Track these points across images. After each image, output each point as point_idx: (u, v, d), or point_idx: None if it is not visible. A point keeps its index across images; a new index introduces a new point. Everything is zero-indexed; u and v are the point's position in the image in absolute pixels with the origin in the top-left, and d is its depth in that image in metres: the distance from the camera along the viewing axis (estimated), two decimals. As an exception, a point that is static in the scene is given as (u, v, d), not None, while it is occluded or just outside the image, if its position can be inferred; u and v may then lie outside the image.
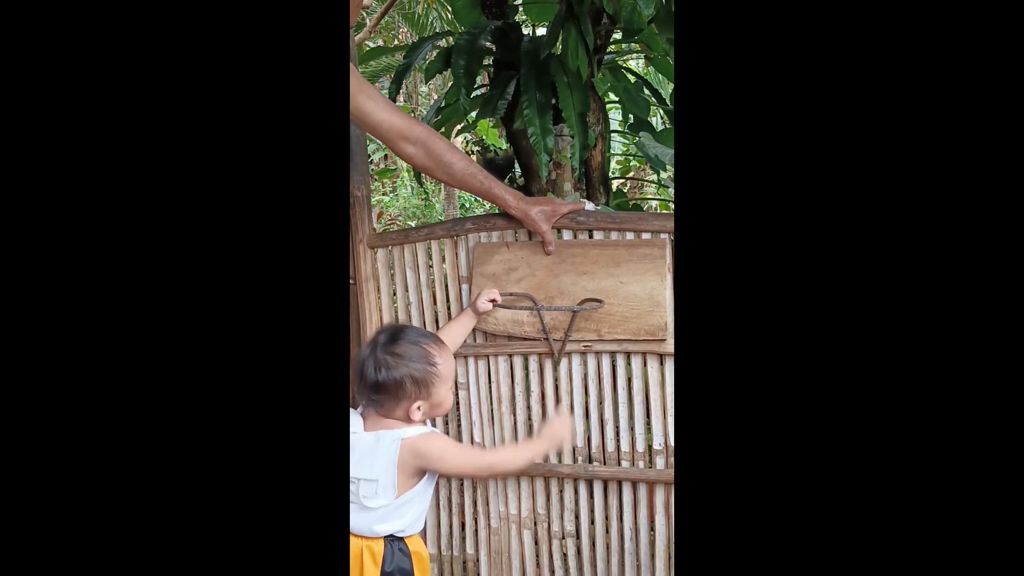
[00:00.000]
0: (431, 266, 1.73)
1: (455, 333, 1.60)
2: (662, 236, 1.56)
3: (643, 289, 1.55)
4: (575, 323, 1.57)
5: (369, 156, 5.63)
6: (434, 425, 1.76)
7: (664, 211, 1.78)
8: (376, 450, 1.40)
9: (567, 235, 1.62)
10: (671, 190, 2.15)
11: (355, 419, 1.45)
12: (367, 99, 1.44)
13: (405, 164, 5.19)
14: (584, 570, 1.72)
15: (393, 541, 1.43)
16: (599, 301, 1.55)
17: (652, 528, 1.67)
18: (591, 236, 1.61)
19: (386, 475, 1.39)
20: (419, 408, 1.42)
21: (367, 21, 3.76)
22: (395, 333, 1.45)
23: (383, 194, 5.29)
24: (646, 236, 1.57)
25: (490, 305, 1.58)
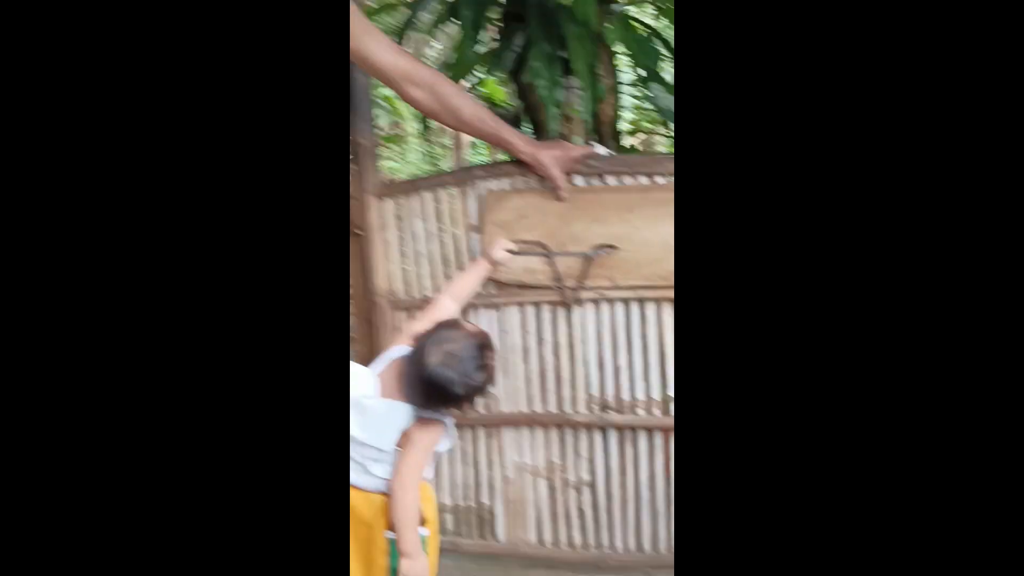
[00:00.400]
0: (440, 215, 1.71)
1: (467, 283, 1.57)
2: (672, 180, 1.54)
3: (657, 234, 1.53)
4: (589, 270, 1.56)
5: (375, 122, 5.62)
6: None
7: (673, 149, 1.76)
8: (388, 421, 1.32)
9: (579, 181, 1.60)
10: None
11: (368, 379, 1.36)
12: (372, 41, 1.41)
13: (412, 129, 5.19)
14: (600, 519, 1.72)
15: None
16: (613, 247, 1.54)
17: (669, 476, 1.67)
18: (603, 181, 1.59)
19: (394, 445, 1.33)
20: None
21: None
22: (449, 353, 1.29)
23: (391, 159, 5.27)
24: (660, 180, 1.55)
25: (507, 255, 1.56)
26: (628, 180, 1.58)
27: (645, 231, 1.53)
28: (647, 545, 1.69)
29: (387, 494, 1.32)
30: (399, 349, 1.37)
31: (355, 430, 1.29)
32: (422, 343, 1.30)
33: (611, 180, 1.59)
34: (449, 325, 1.34)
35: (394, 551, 1.30)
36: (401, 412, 1.31)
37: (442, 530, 1.83)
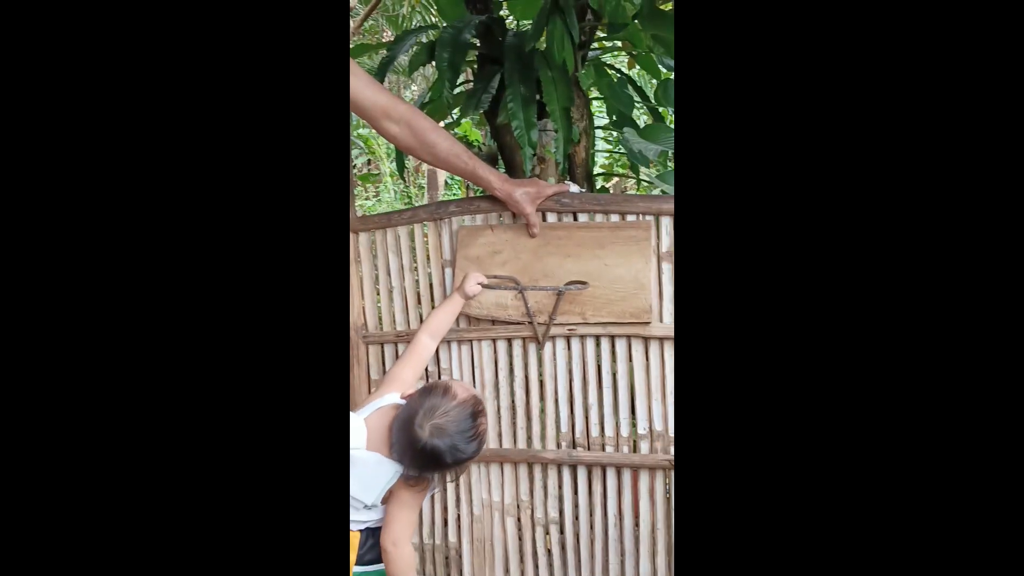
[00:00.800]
0: (414, 250, 1.73)
1: (442, 319, 1.58)
2: (647, 218, 1.57)
3: (628, 271, 1.55)
4: (560, 305, 1.57)
5: (351, 161, 5.64)
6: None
7: (649, 193, 1.80)
8: (375, 476, 1.31)
9: (552, 218, 1.62)
10: (656, 189, 2.17)
11: (355, 425, 1.33)
12: (350, 75, 1.44)
13: (388, 169, 5.22)
14: (568, 557, 1.71)
15: (371, 532, 1.39)
16: (584, 283, 1.56)
17: (637, 514, 1.66)
18: (576, 219, 1.62)
19: (379, 501, 1.33)
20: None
21: (351, 23, 3.78)
22: (439, 427, 1.28)
23: (366, 198, 5.29)
24: (631, 218, 1.58)
25: (479, 288, 1.57)
26: (600, 218, 1.60)
27: (616, 268, 1.56)
28: (613, 586, 1.67)
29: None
30: (388, 396, 1.38)
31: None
32: (413, 410, 1.28)
33: (583, 217, 1.61)
34: (441, 391, 1.30)
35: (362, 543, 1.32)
36: (388, 469, 1.30)
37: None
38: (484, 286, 1.58)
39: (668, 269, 1.57)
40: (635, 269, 1.55)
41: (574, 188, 1.61)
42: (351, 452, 1.30)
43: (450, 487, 1.76)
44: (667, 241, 1.56)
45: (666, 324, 1.57)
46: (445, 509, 1.78)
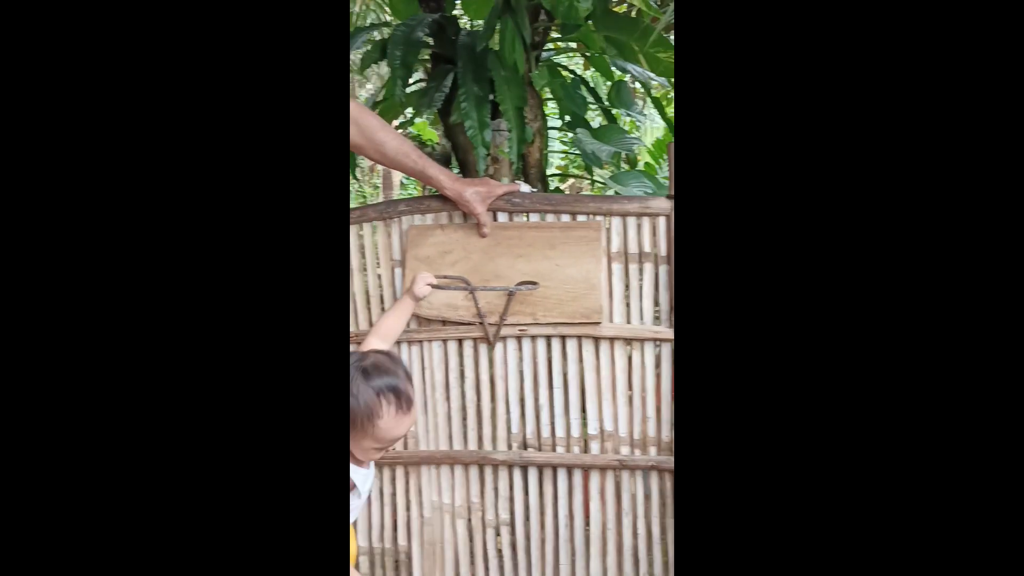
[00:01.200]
0: (363, 249, 1.70)
1: (393, 322, 1.56)
2: (598, 219, 1.57)
3: (579, 272, 1.55)
4: (511, 306, 1.57)
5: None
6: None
7: (599, 194, 1.80)
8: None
9: (503, 217, 1.62)
10: (610, 190, 2.18)
11: None
12: None
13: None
14: (519, 559, 1.70)
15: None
16: (534, 283, 1.55)
17: (587, 514, 1.66)
18: (527, 219, 1.61)
19: None
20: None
21: None
22: (378, 366, 1.31)
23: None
24: (582, 219, 1.58)
25: (428, 289, 1.56)
26: (551, 218, 1.60)
27: (568, 268, 1.55)
28: (565, 586, 1.67)
29: None
30: None
31: None
32: None
33: (535, 217, 1.61)
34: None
35: None
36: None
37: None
38: (434, 287, 1.57)
39: (618, 269, 1.57)
40: (586, 269, 1.55)
41: (525, 188, 1.60)
42: None
43: (400, 490, 1.74)
44: (617, 241, 1.57)
45: (616, 324, 1.58)
46: (395, 512, 1.76)
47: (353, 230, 1.71)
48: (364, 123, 1.47)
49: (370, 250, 1.70)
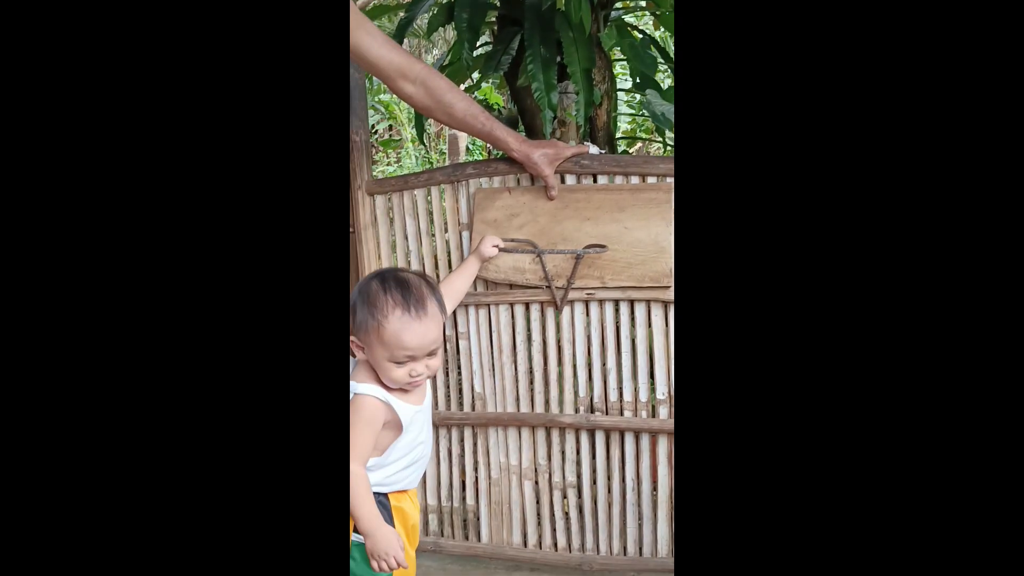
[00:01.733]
0: (431, 213, 1.71)
1: (459, 283, 1.56)
2: (668, 180, 1.54)
3: (648, 235, 1.53)
4: (578, 270, 1.55)
5: (373, 127, 5.60)
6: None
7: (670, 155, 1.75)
8: None
9: (570, 180, 1.60)
10: None
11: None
12: (366, 35, 1.42)
13: (409, 135, 5.19)
14: (585, 521, 1.71)
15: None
16: (603, 246, 1.54)
17: (655, 479, 1.66)
18: (595, 181, 1.59)
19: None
20: (358, 347, 1.26)
21: None
22: (395, 272, 1.28)
23: (387, 164, 5.25)
24: (651, 180, 1.55)
25: (495, 251, 1.55)
26: (619, 180, 1.58)
27: (636, 231, 1.53)
28: (631, 549, 1.68)
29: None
30: None
31: None
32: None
33: (602, 180, 1.59)
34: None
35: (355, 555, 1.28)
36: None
37: (425, 531, 1.82)
38: (501, 249, 1.57)
39: None
40: (655, 232, 1.52)
41: (594, 149, 1.58)
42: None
43: (468, 450, 1.76)
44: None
45: None
46: (463, 472, 1.79)
47: (420, 194, 1.72)
48: (432, 85, 1.47)
49: (438, 214, 1.71)
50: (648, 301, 1.57)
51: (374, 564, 1.22)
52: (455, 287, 1.54)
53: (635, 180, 1.57)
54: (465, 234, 1.68)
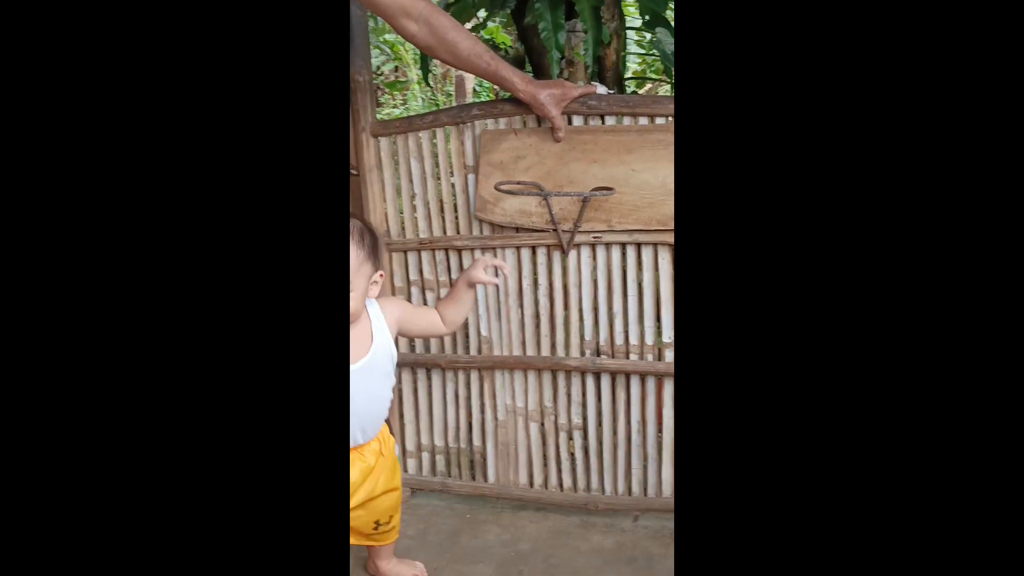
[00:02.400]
0: (436, 155, 1.69)
1: (453, 316, 1.50)
2: (671, 120, 1.51)
3: (656, 177, 1.51)
4: (585, 212, 1.54)
5: (378, 68, 5.52)
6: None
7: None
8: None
9: (577, 121, 1.57)
10: None
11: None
12: None
13: (415, 76, 5.13)
14: (591, 462, 1.73)
15: None
16: (610, 189, 1.52)
17: (660, 422, 1.67)
18: (603, 122, 1.57)
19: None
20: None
21: None
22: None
23: (393, 107, 5.22)
24: (660, 121, 1.53)
25: (487, 278, 1.46)
26: (627, 121, 1.55)
27: (644, 173, 1.51)
28: (636, 489, 1.70)
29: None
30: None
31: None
32: None
33: (610, 120, 1.56)
34: None
35: None
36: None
37: (433, 471, 1.85)
38: (508, 192, 1.55)
39: None
40: (663, 175, 1.50)
41: (601, 89, 1.55)
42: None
43: (475, 392, 1.78)
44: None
45: None
46: (470, 414, 1.81)
47: (426, 136, 1.70)
48: (436, 23, 1.44)
49: (443, 156, 1.69)
50: (655, 244, 1.56)
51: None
52: (450, 319, 1.50)
53: (644, 121, 1.54)
54: (471, 177, 1.66)
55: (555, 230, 1.57)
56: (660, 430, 1.68)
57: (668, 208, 1.50)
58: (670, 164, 1.50)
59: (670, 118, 1.52)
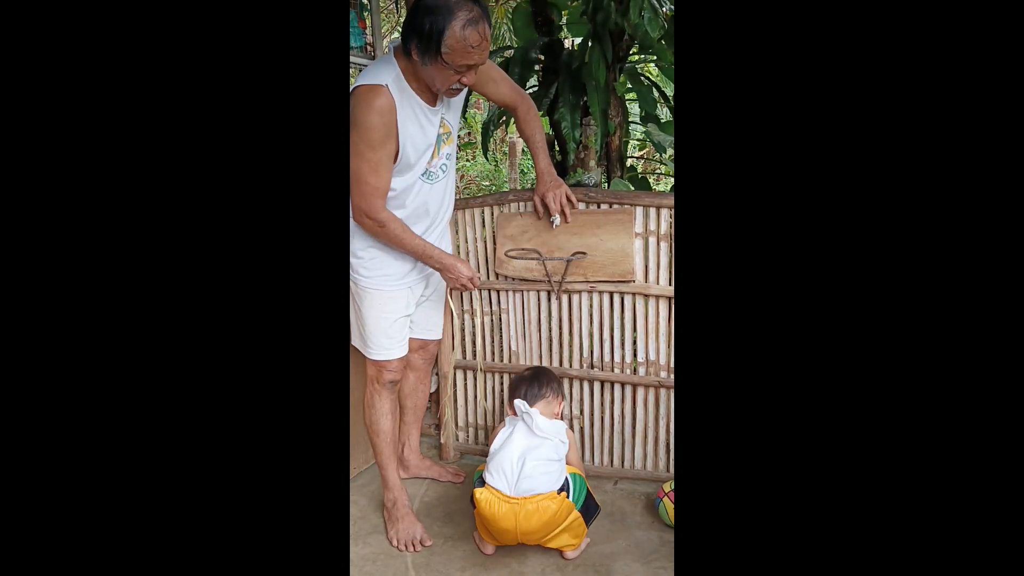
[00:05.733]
0: (484, 226, 2.42)
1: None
2: (628, 207, 2.18)
3: (617, 244, 2.19)
4: (568, 269, 2.24)
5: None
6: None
7: (636, 190, 2.35)
8: (559, 427, 2.01)
9: (581, 205, 2.23)
10: (671, 167, 2.67)
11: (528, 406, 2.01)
12: (491, 82, 1.98)
13: (479, 139, 6.18)
14: (585, 442, 2.42)
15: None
16: (584, 253, 2.21)
17: (634, 417, 2.34)
18: (599, 207, 2.23)
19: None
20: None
21: None
22: (538, 370, 2.15)
23: (466, 160, 7.10)
24: (616, 207, 2.20)
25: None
26: (594, 207, 2.23)
27: (608, 242, 2.19)
28: (616, 462, 2.38)
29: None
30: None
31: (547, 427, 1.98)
32: None
33: (582, 206, 2.24)
34: None
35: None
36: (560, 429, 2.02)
37: (476, 441, 2.58)
38: (513, 257, 2.26)
39: (665, 247, 2.18)
40: (622, 243, 2.18)
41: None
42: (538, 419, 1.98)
43: (507, 389, 2.49)
44: (640, 222, 2.18)
45: (661, 285, 2.20)
46: (501, 403, 2.52)
47: (478, 212, 2.40)
48: (531, 116, 2.07)
49: (489, 226, 2.42)
50: (634, 294, 2.22)
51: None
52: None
53: (605, 207, 2.21)
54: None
55: (549, 281, 2.28)
56: (634, 423, 2.34)
57: (625, 266, 2.17)
58: (627, 236, 2.17)
59: (625, 204, 2.19)
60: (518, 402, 2.00)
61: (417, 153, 1.85)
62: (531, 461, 1.89)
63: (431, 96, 1.80)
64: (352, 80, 2.01)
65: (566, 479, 1.93)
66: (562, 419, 2.15)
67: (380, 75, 1.73)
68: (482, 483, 1.94)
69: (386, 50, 1.81)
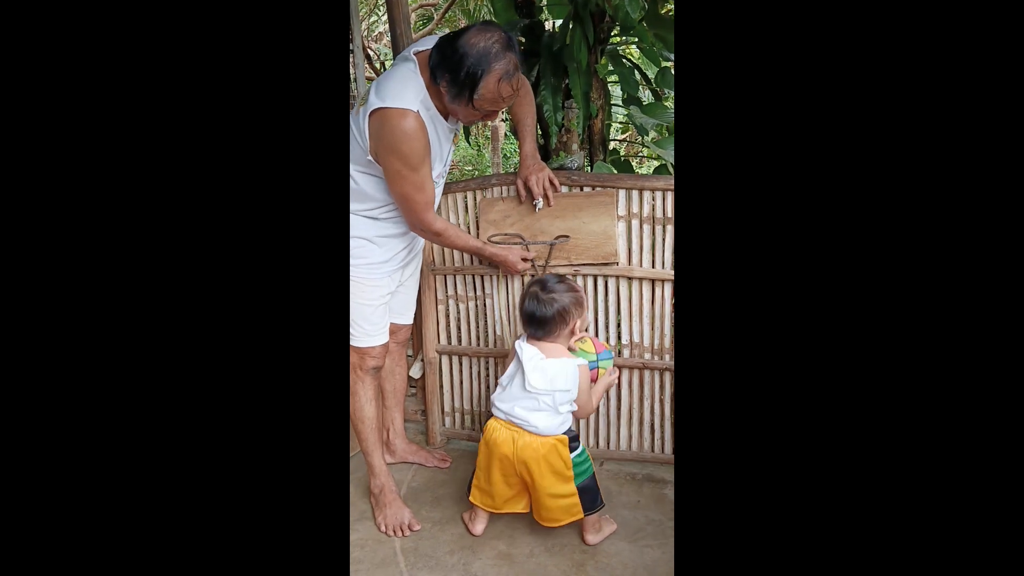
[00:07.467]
0: (467, 210, 2.42)
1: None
2: (611, 190, 2.19)
3: (599, 227, 2.20)
4: (552, 253, 2.25)
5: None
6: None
7: (619, 173, 2.35)
8: (566, 371, 1.90)
9: (563, 188, 2.24)
10: (653, 150, 2.68)
11: (529, 348, 1.93)
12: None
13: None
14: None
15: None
16: (567, 236, 2.22)
17: (619, 399, 2.36)
18: (582, 189, 2.24)
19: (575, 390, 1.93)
20: (580, 322, 1.94)
21: (434, 15, 4.55)
22: (543, 283, 1.94)
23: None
24: (598, 190, 2.21)
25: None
26: (576, 190, 2.24)
27: (591, 224, 2.20)
28: (602, 444, 2.40)
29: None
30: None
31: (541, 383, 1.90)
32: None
33: (564, 189, 2.25)
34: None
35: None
36: (573, 365, 1.92)
37: (463, 425, 2.60)
38: (497, 243, 2.26)
39: (647, 229, 2.20)
40: (604, 225, 2.19)
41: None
42: (536, 360, 1.91)
43: (492, 373, 2.51)
44: (623, 205, 2.19)
45: (644, 268, 2.22)
46: (488, 387, 2.54)
47: (460, 196, 2.40)
48: (528, 98, 2.08)
49: (472, 210, 2.42)
50: (618, 276, 2.24)
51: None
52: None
53: (587, 190, 2.23)
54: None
55: (533, 265, 2.29)
56: (619, 404, 2.36)
57: (608, 248, 2.19)
58: (609, 218, 2.18)
59: (607, 187, 2.20)
60: (517, 344, 1.97)
61: (441, 164, 1.97)
62: (521, 411, 1.92)
63: (447, 110, 1.86)
64: (351, 79, 2.00)
65: (577, 440, 1.96)
66: (584, 333, 2.02)
67: (407, 98, 1.76)
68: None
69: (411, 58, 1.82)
